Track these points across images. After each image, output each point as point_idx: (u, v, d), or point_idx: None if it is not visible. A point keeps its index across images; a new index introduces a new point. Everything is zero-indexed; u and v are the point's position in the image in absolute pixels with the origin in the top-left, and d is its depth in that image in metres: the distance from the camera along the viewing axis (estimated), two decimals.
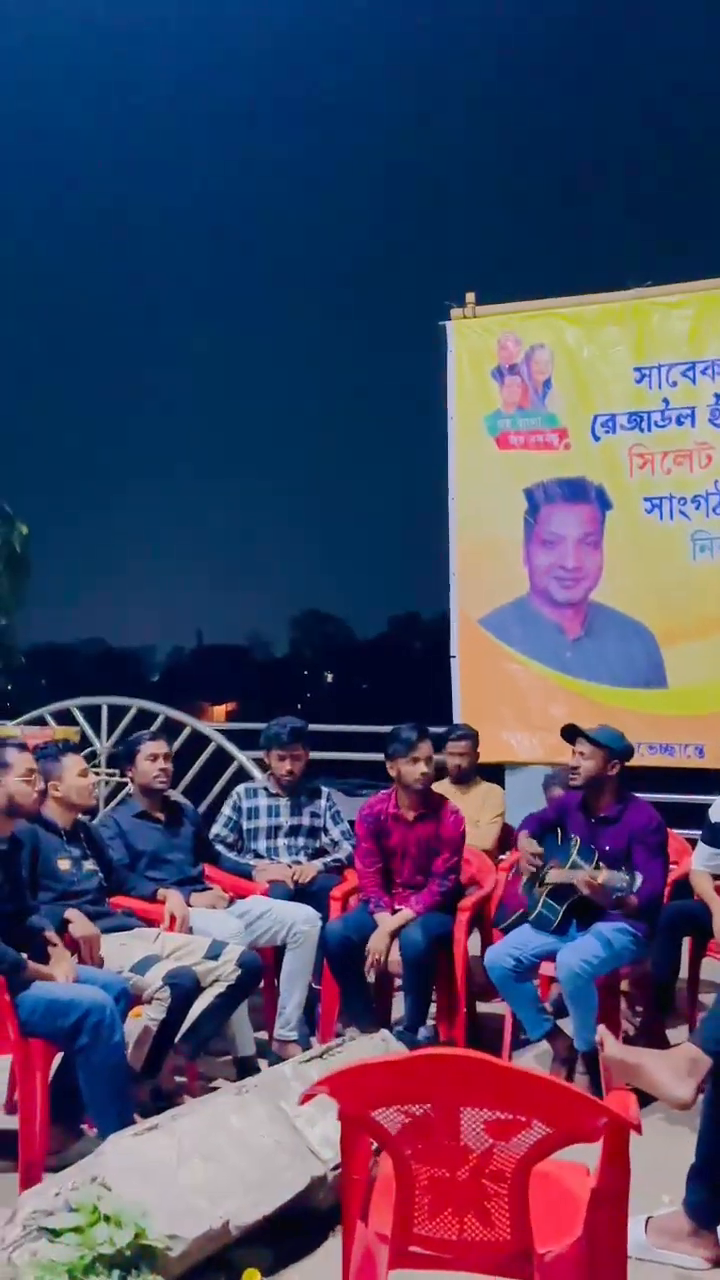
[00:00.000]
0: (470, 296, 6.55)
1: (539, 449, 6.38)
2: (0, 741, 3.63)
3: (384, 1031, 3.74)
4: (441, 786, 5.45)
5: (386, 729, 4.62)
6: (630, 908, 3.92)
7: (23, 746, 3.67)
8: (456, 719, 6.34)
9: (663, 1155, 2.99)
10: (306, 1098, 2.22)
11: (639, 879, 3.86)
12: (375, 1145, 2.23)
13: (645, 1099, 2.95)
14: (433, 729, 5.14)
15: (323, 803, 4.93)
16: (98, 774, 7.17)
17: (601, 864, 4.01)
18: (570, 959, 3.84)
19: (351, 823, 4.91)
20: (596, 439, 6.24)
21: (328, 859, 4.83)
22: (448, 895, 4.38)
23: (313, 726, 5.84)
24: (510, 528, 6.43)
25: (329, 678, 66.01)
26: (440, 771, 5.58)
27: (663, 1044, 4.07)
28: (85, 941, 3.67)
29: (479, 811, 5.44)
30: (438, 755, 5.04)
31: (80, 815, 4.09)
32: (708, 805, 4.65)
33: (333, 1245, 2.85)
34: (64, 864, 3.92)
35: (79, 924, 3.70)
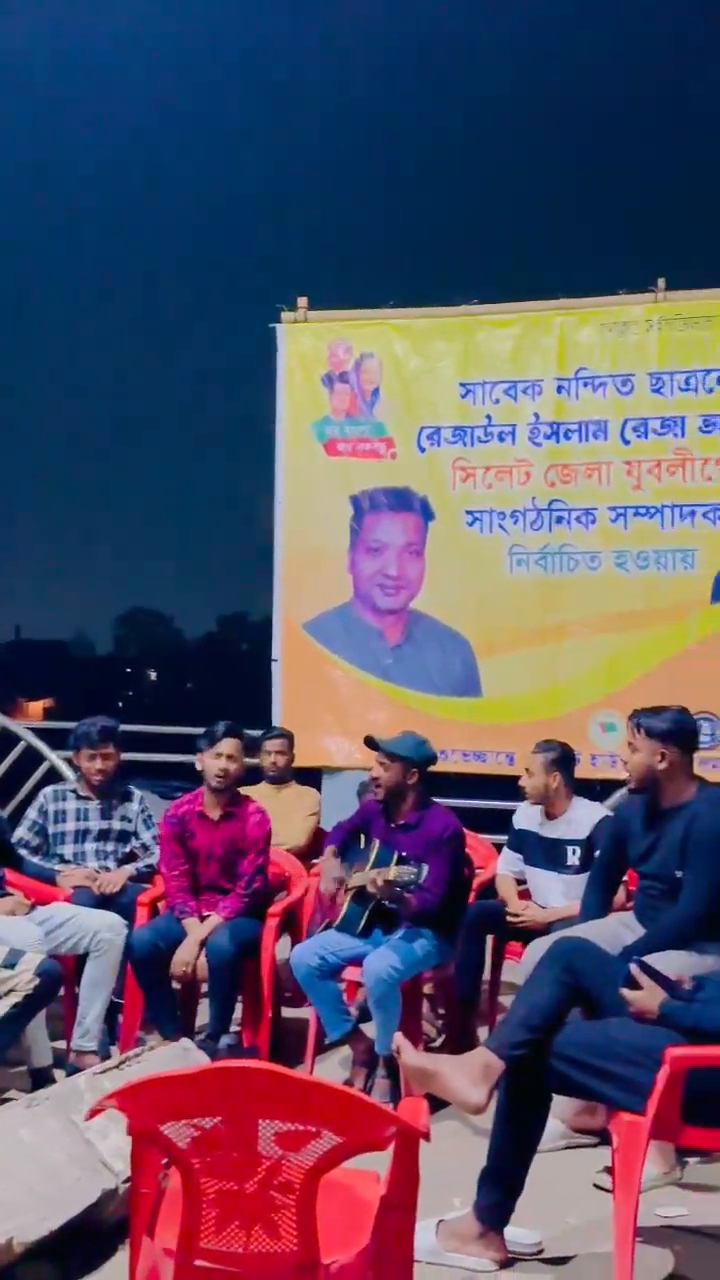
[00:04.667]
0: (302, 301, 6.55)
1: (366, 457, 6.45)
2: None
3: (185, 1040, 3.69)
4: (258, 789, 5.44)
5: (200, 731, 4.57)
6: (408, 907, 3.97)
7: None
8: (276, 722, 6.33)
9: (455, 1159, 3.05)
10: (94, 1112, 2.16)
11: (425, 870, 3.91)
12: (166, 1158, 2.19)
13: (441, 1103, 3.02)
14: (252, 732, 5.13)
15: (134, 806, 4.83)
16: None
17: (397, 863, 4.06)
18: (377, 964, 3.88)
19: None
20: (422, 450, 6.34)
21: (139, 864, 4.73)
22: (255, 899, 4.36)
23: (129, 727, 5.75)
24: (336, 534, 6.47)
25: (153, 676, 65.06)
26: (257, 774, 5.57)
27: (469, 1044, 4.15)
28: None
29: (292, 811, 5.45)
30: (252, 759, 5.02)
31: None
32: (515, 811, 4.79)
33: (121, 1259, 2.79)
34: None
35: None
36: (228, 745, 4.38)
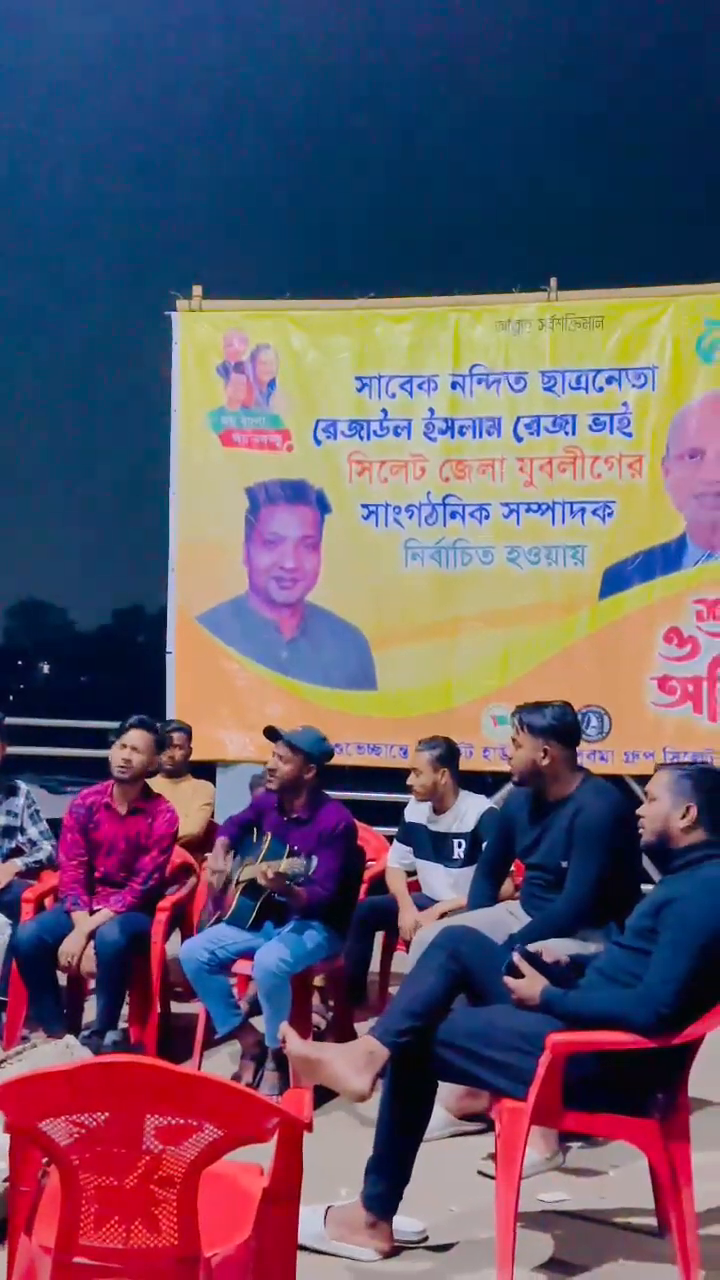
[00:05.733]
0: (197, 290, 6.49)
1: (262, 449, 6.42)
2: None
3: (69, 1037, 3.63)
4: (154, 782, 5.38)
5: (99, 724, 4.52)
6: (299, 900, 3.97)
7: None
8: (170, 715, 6.27)
9: (343, 1149, 3.06)
10: None
11: (315, 862, 3.93)
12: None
13: (330, 1094, 3.03)
14: None
15: (20, 800, 4.73)
16: None
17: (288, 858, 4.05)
18: (267, 958, 3.87)
19: (51, 821, 4.75)
20: (318, 443, 6.34)
21: (27, 859, 4.64)
22: (149, 894, 4.32)
23: (22, 720, 5.63)
24: (231, 526, 6.43)
25: (45, 669, 63.86)
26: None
27: (353, 1037, 4.16)
28: None
29: (188, 803, 5.41)
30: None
31: None
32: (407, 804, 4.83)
33: None
34: None
35: None
36: (132, 737, 4.32)
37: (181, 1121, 1.98)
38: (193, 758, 5.78)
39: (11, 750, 4.92)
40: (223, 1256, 2.08)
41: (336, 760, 4.85)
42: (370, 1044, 2.79)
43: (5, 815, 4.68)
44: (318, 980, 4.42)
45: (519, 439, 6.07)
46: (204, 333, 6.46)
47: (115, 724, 4.51)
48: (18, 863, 4.59)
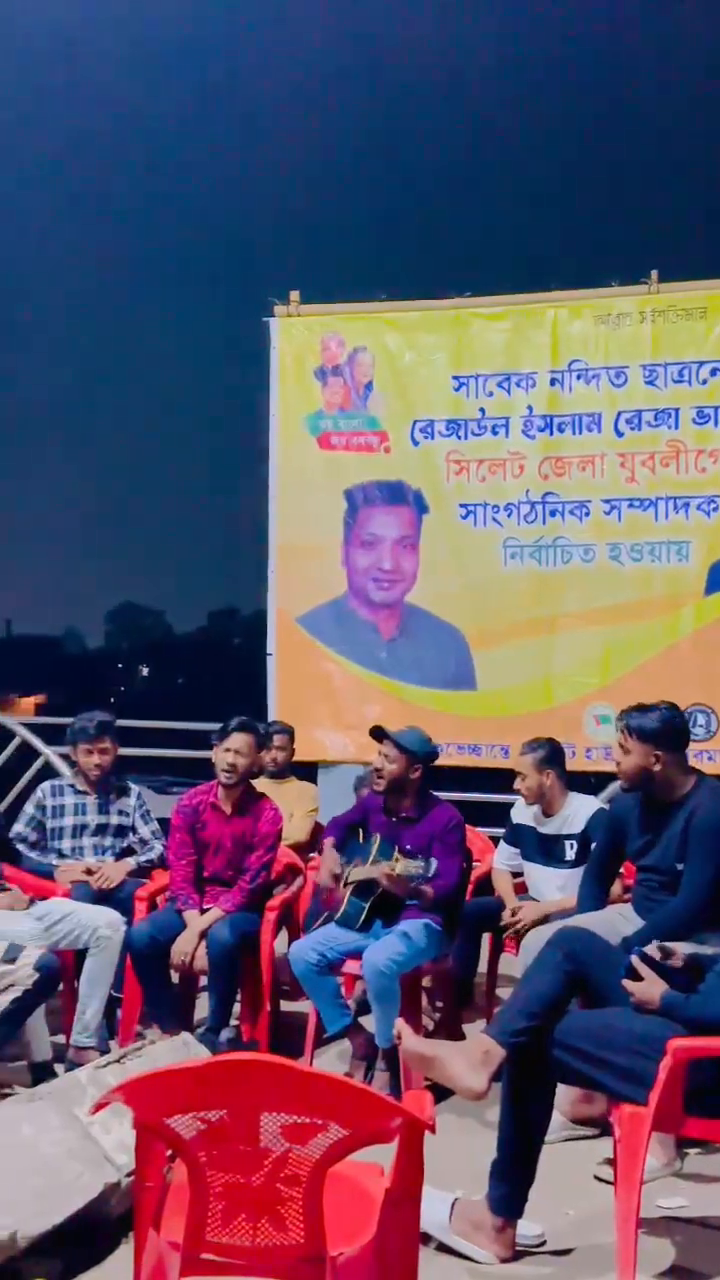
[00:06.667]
0: (294, 295, 6.54)
1: (359, 450, 6.44)
2: None
3: (185, 1034, 3.69)
4: (258, 783, 5.43)
5: (197, 726, 4.57)
6: (426, 898, 3.99)
7: None
8: (272, 716, 6.33)
9: (458, 1151, 3.05)
10: (99, 1106, 2.16)
11: (434, 864, 3.93)
12: (171, 1151, 2.19)
13: (443, 1092, 3.03)
14: None
15: (132, 801, 4.83)
16: None
17: (400, 859, 4.06)
18: (375, 957, 3.88)
19: (162, 821, 4.83)
20: (415, 443, 6.33)
21: (139, 858, 4.73)
22: (257, 894, 4.37)
23: (124, 722, 5.72)
24: (329, 528, 6.46)
25: (144, 672, 64.96)
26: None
27: (460, 1038, 4.15)
28: None
29: (293, 805, 5.45)
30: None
31: None
32: (510, 805, 4.80)
33: (125, 1253, 2.79)
34: None
35: None
36: (236, 740, 4.37)
37: (307, 1120, 2.00)
38: (294, 759, 5.83)
39: (119, 751, 5.01)
40: (348, 1256, 2.09)
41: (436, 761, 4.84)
42: (486, 1043, 2.78)
43: (118, 815, 4.78)
44: (425, 981, 4.42)
45: (620, 434, 5.99)
46: (301, 337, 6.51)
47: (214, 725, 4.56)
48: (130, 862, 4.67)
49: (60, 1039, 4.24)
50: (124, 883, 4.54)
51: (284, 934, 4.80)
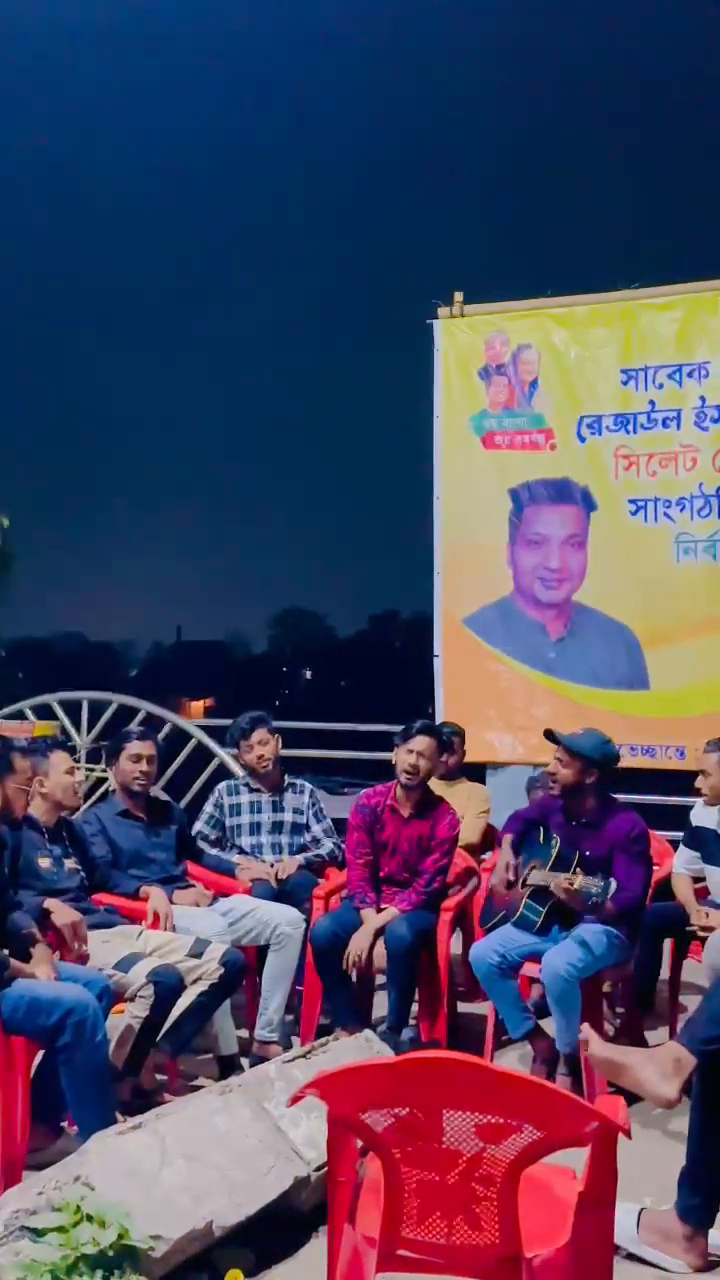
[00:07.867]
0: (458, 296, 6.53)
1: (525, 449, 6.38)
2: (6, 744, 3.59)
3: (368, 1032, 3.73)
4: (429, 785, 5.46)
5: (367, 727, 4.61)
6: (607, 914, 3.91)
7: (26, 750, 3.65)
8: (440, 718, 6.33)
9: (645, 1155, 3.00)
10: (296, 1099, 2.20)
11: (614, 885, 3.85)
12: (361, 1146, 2.22)
13: (629, 1098, 2.97)
14: None
15: (305, 799, 4.92)
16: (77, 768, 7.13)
17: (579, 869, 3.99)
18: (555, 961, 3.84)
19: (337, 821, 4.90)
20: (582, 440, 6.24)
21: (309, 854, 4.81)
22: (433, 895, 4.37)
23: (293, 724, 5.84)
24: (495, 527, 6.42)
25: (308, 675, 65.90)
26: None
27: (642, 1044, 4.07)
28: (69, 928, 3.63)
29: (464, 808, 5.43)
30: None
31: (63, 813, 4.06)
32: (688, 807, 4.68)
33: (315, 1247, 2.84)
34: (45, 862, 3.89)
35: (59, 912, 3.65)
36: (419, 742, 4.38)
37: (502, 1121, 1.99)
38: (464, 760, 5.81)
39: (287, 752, 5.11)
40: (543, 1259, 2.07)
41: None
42: (677, 1050, 2.71)
43: (292, 813, 4.87)
44: (605, 986, 4.35)
45: None
46: (465, 337, 6.49)
47: (380, 728, 4.58)
48: (300, 858, 4.76)
49: (244, 1033, 4.35)
50: (300, 877, 4.61)
51: (458, 935, 4.79)
